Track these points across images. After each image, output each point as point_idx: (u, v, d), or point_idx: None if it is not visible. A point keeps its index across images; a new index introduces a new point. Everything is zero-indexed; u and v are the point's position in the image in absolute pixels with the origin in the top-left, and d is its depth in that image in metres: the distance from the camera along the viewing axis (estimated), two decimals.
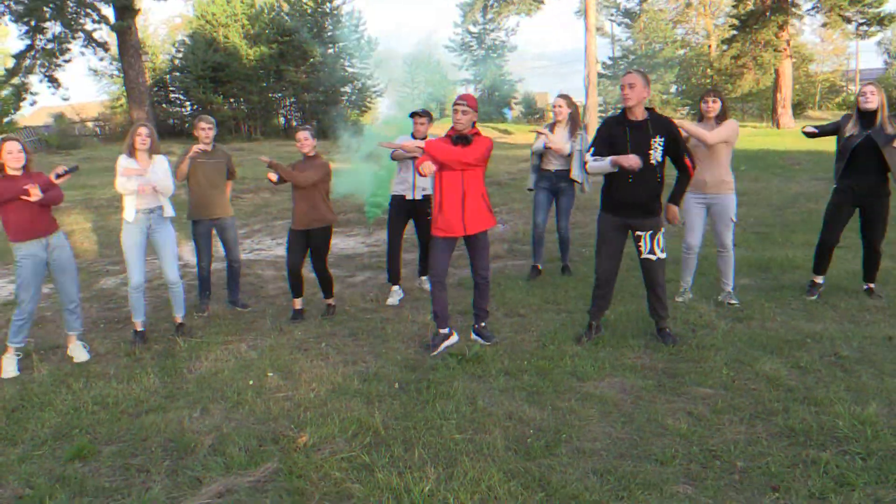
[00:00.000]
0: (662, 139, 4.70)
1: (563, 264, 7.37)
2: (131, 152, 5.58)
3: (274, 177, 5.92)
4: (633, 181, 4.73)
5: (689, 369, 4.46)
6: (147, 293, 7.19)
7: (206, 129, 6.36)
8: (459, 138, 4.97)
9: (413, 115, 6.59)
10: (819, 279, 6.02)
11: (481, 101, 47.27)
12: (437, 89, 37.06)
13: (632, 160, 4.59)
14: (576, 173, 6.85)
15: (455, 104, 4.97)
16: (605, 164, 4.76)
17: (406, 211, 6.65)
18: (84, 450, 3.71)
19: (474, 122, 5.03)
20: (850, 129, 5.63)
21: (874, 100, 5.49)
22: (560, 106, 6.96)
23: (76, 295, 5.44)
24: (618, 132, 4.77)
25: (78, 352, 5.39)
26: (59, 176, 5.16)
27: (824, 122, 6.17)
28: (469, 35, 48.77)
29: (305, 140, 5.98)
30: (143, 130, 5.61)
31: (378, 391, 4.37)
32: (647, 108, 4.79)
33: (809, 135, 5.87)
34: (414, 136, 6.58)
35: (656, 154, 4.70)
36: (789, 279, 6.54)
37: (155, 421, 4.06)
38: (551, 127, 6.99)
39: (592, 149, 4.87)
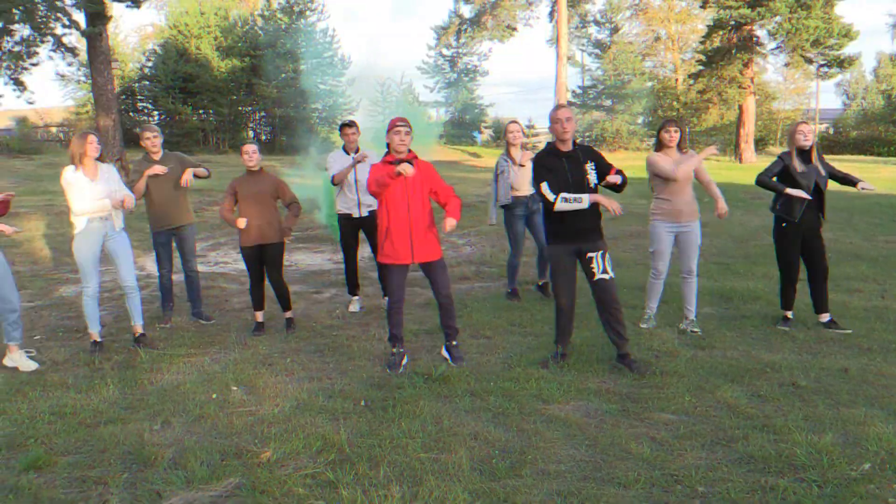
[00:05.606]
0: (594, 164, 5.00)
1: (545, 281, 7.18)
2: (80, 161, 5.36)
3: (242, 223, 5.88)
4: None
5: (652, 395, 4.52)
6: (108, 303, 7.11)
7: (152, 139, 6.24)
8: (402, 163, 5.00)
9: (342, 126, 6.64)
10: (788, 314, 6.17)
11: (452, 124, 47.62)
12: (407, 109, 37.15)
13: (604, 197, 4.89)
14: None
15: (397, 125, 4.99)
16: (582, 204, 4.82)
17: (355, 227, 6.69)
18: (39, 460, 3.63)
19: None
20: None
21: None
22: (516, 131, 7.07)
23: (16, 303, 5.24)
24: (554, 163, 4.95)
25: (21, 361, 5.20)
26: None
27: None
28: (442, 58, 49.19)
29: (254, 153, 5.94)
30: (93, 138, 5.39)
31: (343, 408, 4.34)
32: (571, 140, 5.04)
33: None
34: (345, 150, 6.61)
35: (592, 178, 4.99)
36: (750, 309, 6.67)
37: (114, 432, 3.99)
38: (508, 153, 7.05)
39: (546, 183, 4.86)
